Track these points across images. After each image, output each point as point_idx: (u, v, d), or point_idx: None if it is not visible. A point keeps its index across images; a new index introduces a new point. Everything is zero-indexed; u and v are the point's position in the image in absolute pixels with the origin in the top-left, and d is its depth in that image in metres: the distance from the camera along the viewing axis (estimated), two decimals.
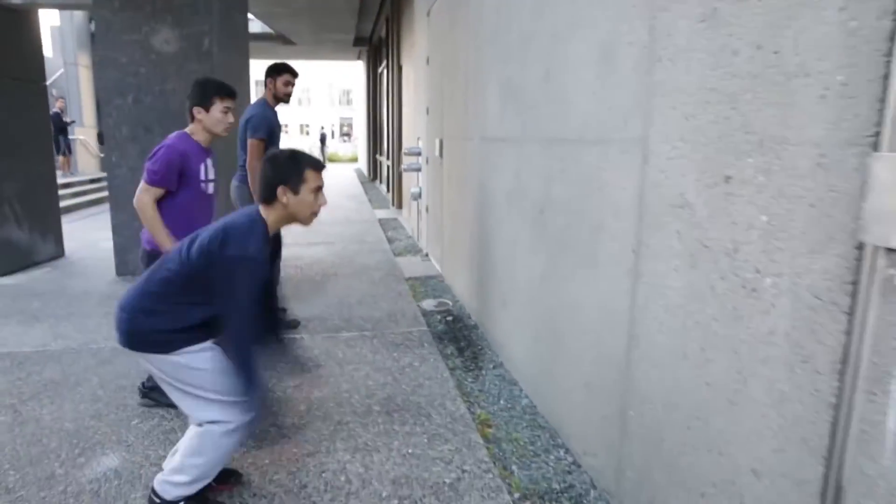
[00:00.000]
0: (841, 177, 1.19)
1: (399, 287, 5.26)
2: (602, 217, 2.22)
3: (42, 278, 5.68)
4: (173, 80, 5.33)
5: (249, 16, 6.52)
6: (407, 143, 8.28)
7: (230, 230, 1.92)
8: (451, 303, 4.78)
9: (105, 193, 11.93)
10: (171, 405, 2.93)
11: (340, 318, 4.35)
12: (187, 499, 2.07)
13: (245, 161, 3.96)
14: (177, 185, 2.78)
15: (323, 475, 2.38)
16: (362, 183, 16.62)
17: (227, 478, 2.25)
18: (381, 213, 10.29)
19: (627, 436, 2.08)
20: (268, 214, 2.01)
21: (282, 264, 4.23)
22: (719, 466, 1.59)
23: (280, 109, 4.09)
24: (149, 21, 5.31)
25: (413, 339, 3.92)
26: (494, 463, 2.46)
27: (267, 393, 2.05)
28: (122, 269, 5.67)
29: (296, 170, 2.00)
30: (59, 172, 9.61)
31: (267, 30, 13.62)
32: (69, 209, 10.07)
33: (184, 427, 2.73)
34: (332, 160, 31.61)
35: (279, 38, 14.30)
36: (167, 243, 2.75)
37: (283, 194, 1.98)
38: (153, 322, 1.95)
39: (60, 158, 12.95)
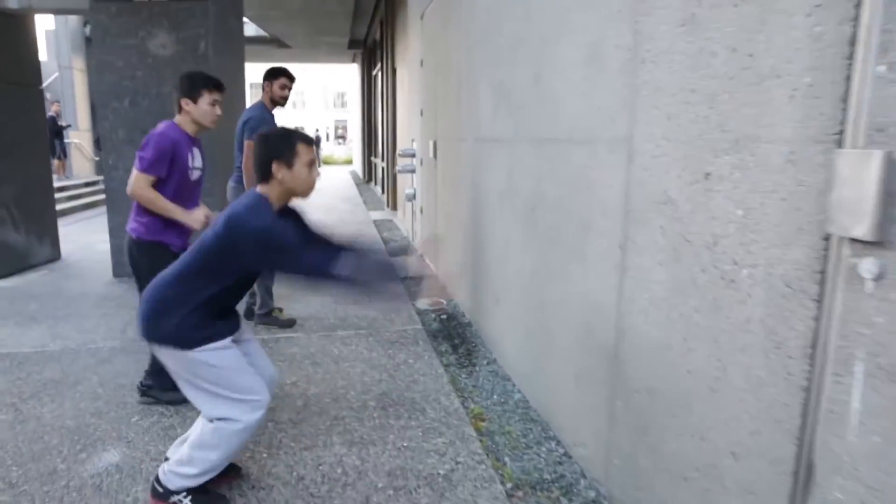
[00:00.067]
0: (809, 172, 1.27)
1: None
2: (590, 214, 2.29)
3: (39, 280, 5.72)
4: (169, 83, 5.39)
5: (244, 19, 6.58)
6: (401, 145, 8.35)
7: (241, 210, 1.97)
8: (445, 301, 4.85)
9: (100, 197, 11.97)
10: (171, 402, 2.99)
11: (336, 317, 4.41)
12: (190, 490, 2.12)
13: (241, 163, 4.02)
14: (167, 173, 2.82)
15: (320, 468, 2.43)
16: (357, 185, 16.67)
17: (228, 471, 2.31)
18: (376, 215, 10.35)
19: (615, 425, 2.15)
20: (267, 193, 2.06)
21: None
22: (701, 451, 1.66)
23: (276, 112, 4.15)
24: (145, 25, 5.37)
25: (408, 336, 3.98)
26: (487, 455, 2.53)
27: (395, 275, 2.01)
28: (119, 270, 5.71)
29: (287, 145, 2.05)
30: (54, 176, 9.62)
31: (262, 33, 13.67)
32: (64, 212, 10.10)
33: (183, 423, 2.79)
34: (326, 162, 31.63)
35: (274, 42, 14.36)
36: (177, 213, 2.83)
37: (278, 170, 2.03)
38: (174, 313, 2.00)
39: (56, 162, 12.96)
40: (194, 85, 2.90)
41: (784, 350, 1.36)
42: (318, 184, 2.17)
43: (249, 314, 4.26)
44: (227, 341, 2.09)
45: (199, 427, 2.10)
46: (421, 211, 6.54)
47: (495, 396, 3.12)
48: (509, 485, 2.33)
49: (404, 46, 7.89)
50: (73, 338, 4.02)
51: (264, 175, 2.05)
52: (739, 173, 1.47)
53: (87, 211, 11.20)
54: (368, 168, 16.73)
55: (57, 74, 14.52)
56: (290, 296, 4.85)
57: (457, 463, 2.46)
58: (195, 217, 2.87)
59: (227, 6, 5.93)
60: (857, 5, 1.12)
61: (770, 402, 1.41)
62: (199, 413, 2.13)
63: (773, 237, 1.38)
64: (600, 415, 2.25)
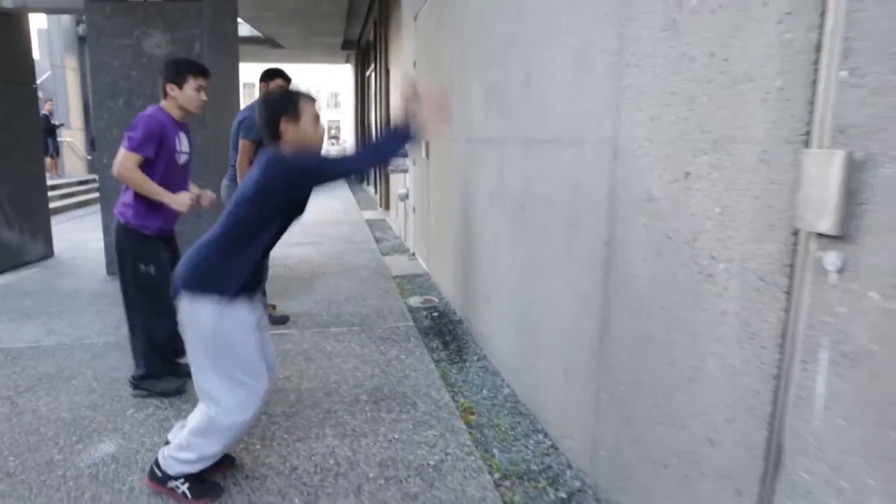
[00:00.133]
0: (780, 171, 1.34)
1: (386, 285, 5.38)
2: (578, 213, 2.36)
3: (32, 278, 5.74)
4: None
5: (238, 20, 6.63)
6: None
7: (269, 155, 2.05)
8: (437, 299, 4.91)
9: (92, 196, 11.97)
10: (164, 393, 3.04)
11: (329, 314, 4.46)
12: (187, 477, 2.18)
13: (236, 161, 4.07)
14: (155, 155, 2.84)
15: (312, 458, 2.49)
16: (350, 185, 16.70)
17: (223, 460, 2.36)
18: (369, 215, 10.41)
19: (600, 417, 2.22)
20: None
21: (270, 262, 4.33)
22: (680, 439, 1.73)
23: None
24: (140, 25, 5.41)
25: (400, 333, 4.04)
26: (476, 446, 2.59)
27: (411, 136, 2.08)
28: (113, 268, 5.68)
29: (291, 102, 2.12)
30: (46, 174, 9.63)
31: (256, 34, 13.70)
32: (57, 211, 10.08)
33: (178, 416, 2.84)
34: None
35: (268, 42, 14.38)
36: (164, 195, 2.83)
37: (286, 127, 2.09)
38: (220, 265, 2.07)
39: (48, 160, 12.94)
40: (179, 70, 2.93)
41: (757, 340, 1.43)
42: None
43: None
44: (253, 318, 2.13)
45: (197, 415, 2.15)
46: (413, 210, 6.61)
47: (485, 391, 3.18)
48: (497, 475, 2.40)
49: (398, 47, 7.95)
50: (67, 334, 4.06)
51: (274, 135, 2.10)
52: (717, 172, 1.54)
53: (80, 209, 11.20)
54: None
55: (49, 73, 14.50)
56: (283, 293, 4.91)
57: (446, 454, 2.52)
58: (181, 200, 2.87)
59: (222, 7, 5.98)
60: (822, 14, 1.20)
61: (744, 391, 1.48)
62: (193, 405, 2.19)
63: (747, 233, 1.45)
64: (586, 407, 2.32)
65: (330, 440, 2.64)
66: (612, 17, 2.05)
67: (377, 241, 7.75)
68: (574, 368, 2.43)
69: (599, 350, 2.20)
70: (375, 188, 12.05)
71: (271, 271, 4.63)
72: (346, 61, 19.72)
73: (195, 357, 2.12)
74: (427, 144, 5.51)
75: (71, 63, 15.19)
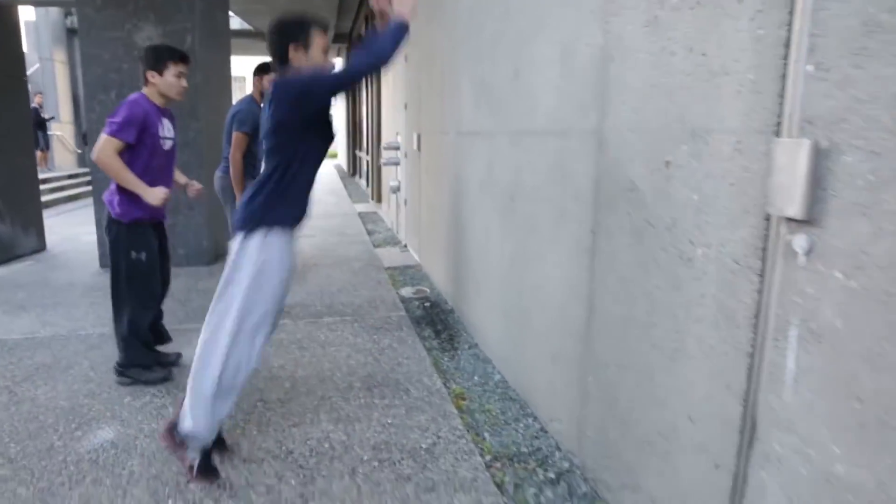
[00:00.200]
0: (753, 159, 1.41)
1: (378, 276, 5.44)
2: (565, 202, 2.43)
3: (25, 270, 5.76)
4: None
5: (230, 13, 6.63)
6: (386, 139, 8.45)
7: (275, 89, 2.09)
8: (428, 290, 4.98)
9: (83, 189, 11.94)
10: (148, 382, 3.09)
11: (322, 305, 4.52)
12: (200, 454, 2.24)
13: (229, 153, 4.11)
14: (136, 140, 2.85)
15: (308, 442, 2.56)
16: (342, 178, 16.72)
17: (216, 444, 2.42)
18: (361, 207, 10.46)
19: (587, 400, 2.30)
20: None
21: None
22: (662, 417, 1.81)
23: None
24: (131, 18, 5.43)
25: (392, 323, 4.11)
26: (468, 430, 2.67)
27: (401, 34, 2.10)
28: (106, 261, 5.73)
29: (303, 30, 2.13)
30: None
31: (246, 26, 13.66)
32: (48, 204, 10.06)
33: (175, 403, 2.89)
34: None
35: (259, 36, 14.33)
36: (139, 187, 2.84)
37: (295, 55, 2.11)
38: (266, 200, 2.15)
39: (38, 154, 12.87)
40: (159, 57, 2.95)
41: (733, 321, 1.51)
42: None
43: None
44: (291, 258, 2.24)
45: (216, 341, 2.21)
46: (405, 203, 6.67)
47: (476, 378, 3.26)
48: (488, 457, 2.47)
49: None
50: (62, 325, 4.10)
51: (282, 59, 2.13)
52: (695, 161, 1.62)
53: (71, 203, 11.18)
54: (353, 162, 16.78)
55: (38, 66, 14.40)
56: None
57: (438, 437, 2.59)
58: (156, 194, 2.87)
59: (213, 0, 5.99)
60: (791, 12, 1.27)
61: (721, 369, 1.56)
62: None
63: (723, 219, 1.52)
64: (574, 391, 2.40)
65: (325, 425, 2.70)
66: (597, 13, 2.11)
67: (369, 233, 7.80)
68: (562, 354, 2.51)
69: (586, 335, 2.28)
70: (367, 181, 12.09)
71: None
72: (338, 54, 19.67)
73: (227, 290, 2.18)
74: (418, 137, 5.56)
75: (60, 56, 15.08)
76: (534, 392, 2.86)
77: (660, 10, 1.74)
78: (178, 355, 3.37)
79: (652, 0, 1.77)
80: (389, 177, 7.88)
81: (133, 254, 3.01)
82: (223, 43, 6.37)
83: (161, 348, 3.32)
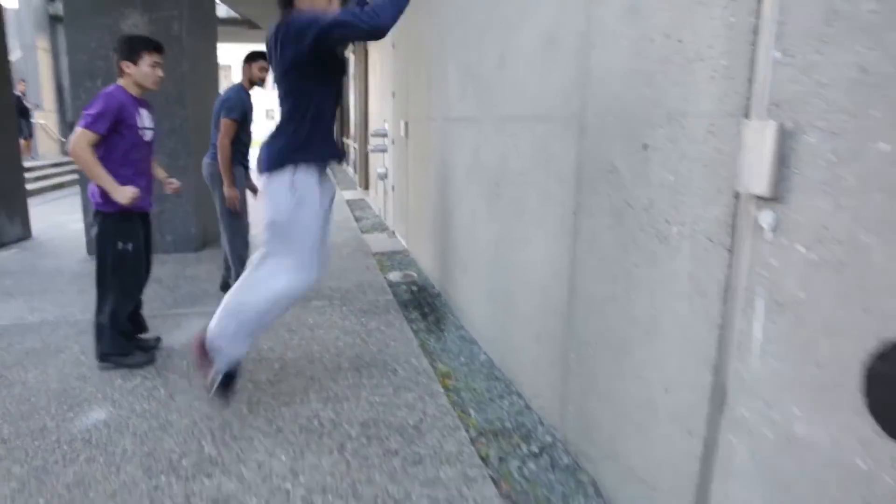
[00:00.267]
0: (725, 141, 1.49)
1: (366, 261, 5.50)
2: (548, 185, 2.50)
3: (11, 258, 5.75)
4: None
5: (216, 1, 6.62)
6: (373, 126, 8.47)
7: (287, 29, 2.18)
8: (416, 274, 5.05)
9: (68, 178, 11.85)
10: (132, 366, 3.12)
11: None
12: (224, 374, 2.41)
13: (217, 140, 4.14)
14: (110, 131, 2.86)
15: (297, 420, 2.62)
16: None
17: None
18: (349, 194, 10.48)
19: (569, 376, 2.38)
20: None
21: (251, 240, 4.43)
22: (640, 389, 1.90)
23: (254, 92, 4.29)
24: (118, 6, 5.40)
25: (380, 306, 4.17)
26: (454, 408, 2.74)
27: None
28: (93, 248, 5.75)
29: None
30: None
31: (233, 15, 13.56)
32: (32, 193, 9.97)
33: (166, 385, 2.94)
34: None
35: (245, 23, 14.24)
36: (109, 183, 2.85)
37: None
38: (291, 140, 2.28)
39: (22, 142, 12.74)
40: (134, 47, 2.96)
41: (705, 295, 1.58)
42: None
43: (225, 286, 4.39)
44: (318, 197, 2.37)
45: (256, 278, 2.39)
46: (393, 189, 6.71)
47: (462, 358, 3.34)
48: (473, 433, 2.55)
49: None
50: (50, 311, 4.12)
51: (287, 1, 2.22)
52: (671, 144, 1.69)
53: (56, 192, 11.10)
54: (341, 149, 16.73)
55: (21, 54, 14.21)
56: None
57: (425, 414, 2.67)
58: (125, 192, 2.88)
59: None
60: (759, 0, 1.34)
61: (694, 341, 1.64)
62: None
63: (697, 198, 1.60)
64: (556, 368, 2.48)
65: (314, 404, 2.77)
66: (580, 0, 2.17)
67: (357, 219, 7.84)
68: (545, 333, 2.59)
69: (568, 314, 2.36)
70: (355, 168, 12.10)
71: (251, 248, 4.71)
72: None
73: (267, 234, 2.36)
74: (406, 124, 5.60)
75: (42, 44, 14.89)
76: (518, 371, 2.94)
77: None
78: (158, 339, 3.41)
79: None
80: (377, 164, 7.92)
81: (120, 244, 3.04)
82: (210, 31, 6.35)
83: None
